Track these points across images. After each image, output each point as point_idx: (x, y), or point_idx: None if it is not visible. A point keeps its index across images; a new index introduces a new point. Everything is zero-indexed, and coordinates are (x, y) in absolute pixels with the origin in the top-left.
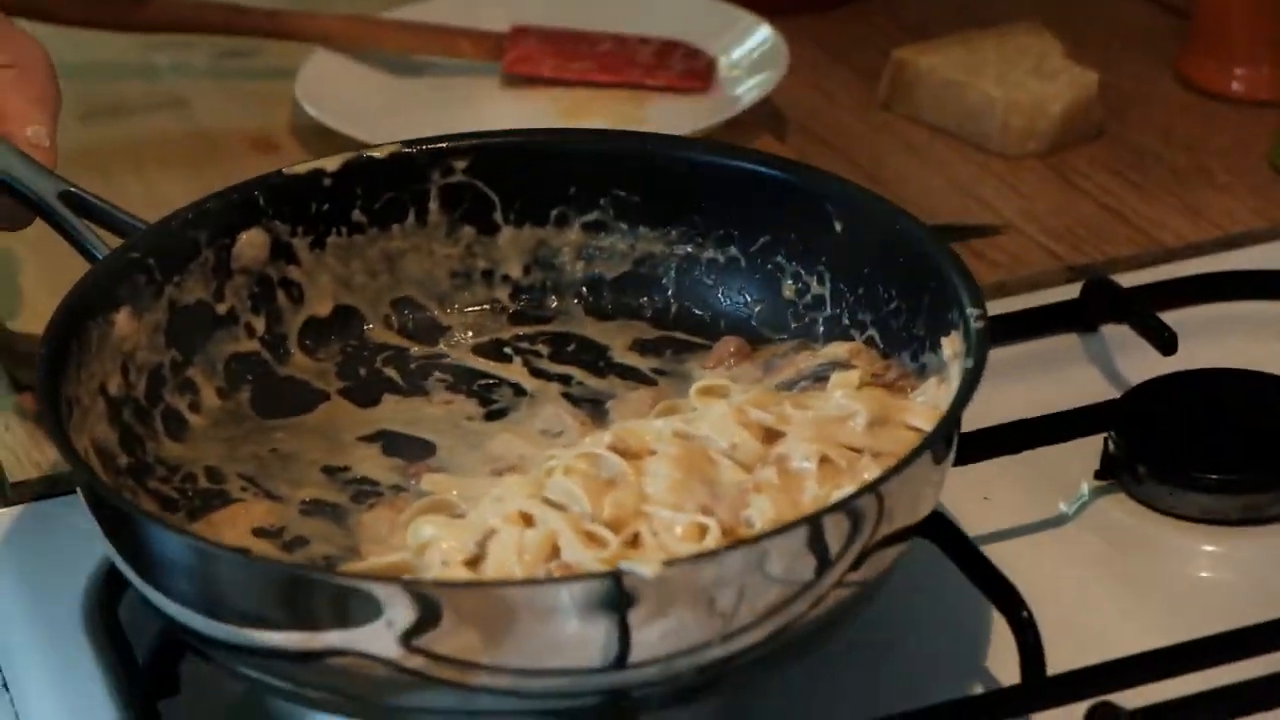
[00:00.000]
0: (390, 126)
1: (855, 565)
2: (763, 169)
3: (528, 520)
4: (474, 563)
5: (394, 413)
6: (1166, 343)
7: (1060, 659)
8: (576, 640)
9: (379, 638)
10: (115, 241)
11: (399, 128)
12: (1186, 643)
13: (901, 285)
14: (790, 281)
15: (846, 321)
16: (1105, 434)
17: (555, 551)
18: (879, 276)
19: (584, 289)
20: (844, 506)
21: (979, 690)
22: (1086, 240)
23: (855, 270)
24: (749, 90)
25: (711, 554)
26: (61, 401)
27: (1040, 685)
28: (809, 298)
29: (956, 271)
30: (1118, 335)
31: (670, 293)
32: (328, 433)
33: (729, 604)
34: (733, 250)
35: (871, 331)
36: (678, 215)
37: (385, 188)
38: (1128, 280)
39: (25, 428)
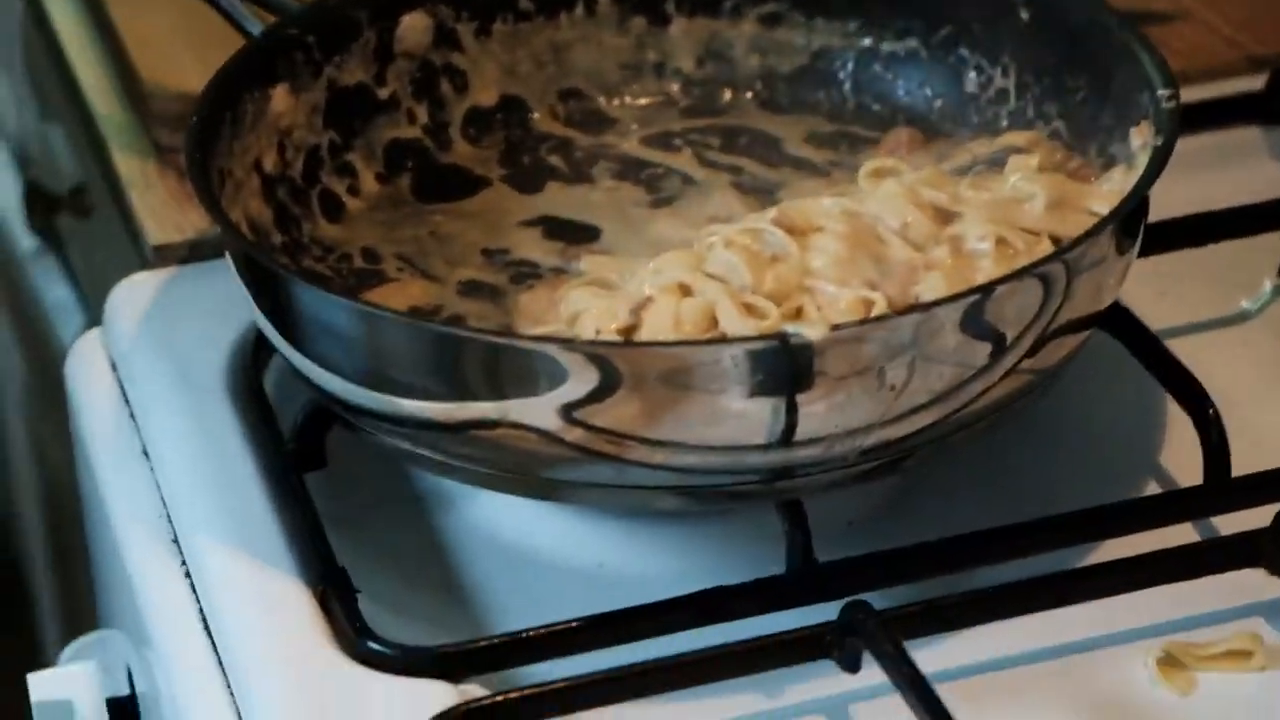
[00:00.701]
0: None
1: (1033, 350)
2: None
3: (686, 291)
4: (628, 332)
5: (557, 199)
6: None
7: (1243, 461)
8: (740, 413)
9: (539, 408)
10: (270, 20)
11: None
12: None
13: (1089, 74)
14: (973, 74)
15: (1031, 114)
16: None
17: (713, 323)
18: (1066, 65)
19: (758, 83)
20: (1028, 272)
21: (1158, 490)
22: (1271, 28)
23: (1041, 60)
24: None
25: (883, 319)
26: (212, 170)
27: (1225, 486)
28: (992, 90)
29: (1147, 53)
30: None
31: (847, 87)
32: (488, 217)
33: (899, 378)
34: (912, 42)
35: (1057, 124)
36: (856, 6)
37: None
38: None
39: (166, 189)
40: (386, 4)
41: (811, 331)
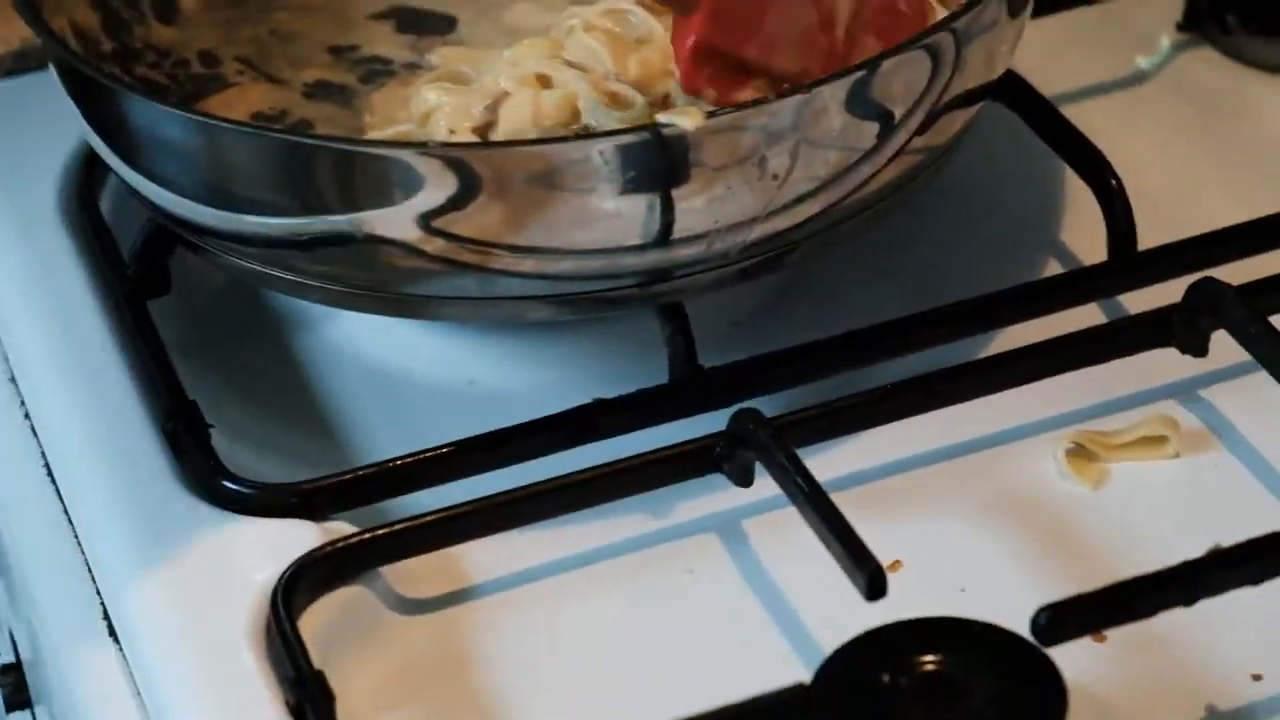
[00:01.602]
0: None
1: (922, 128)
2: None
3: (545, 83)
4: (484, 130)
5: None
6: None
7: (1149, 234)
8: (612, 213)
9: (395, 219)
10: None
11: None
12: None
13: None
14: None
15: None
16: None
17: (575, 115)
18: None
19: None
20: (916, 45)
21: (1060, 270)
22: None
23: None
24: None
25: (761, 103)
26: None
27: (1131, 261)
28: None
29: None
30: None
31: None
32: (335, 10)
33: (782, 166)
34: None
35: None
36: None
37: None
38: None
39: None
40: None
41: (685, 121)
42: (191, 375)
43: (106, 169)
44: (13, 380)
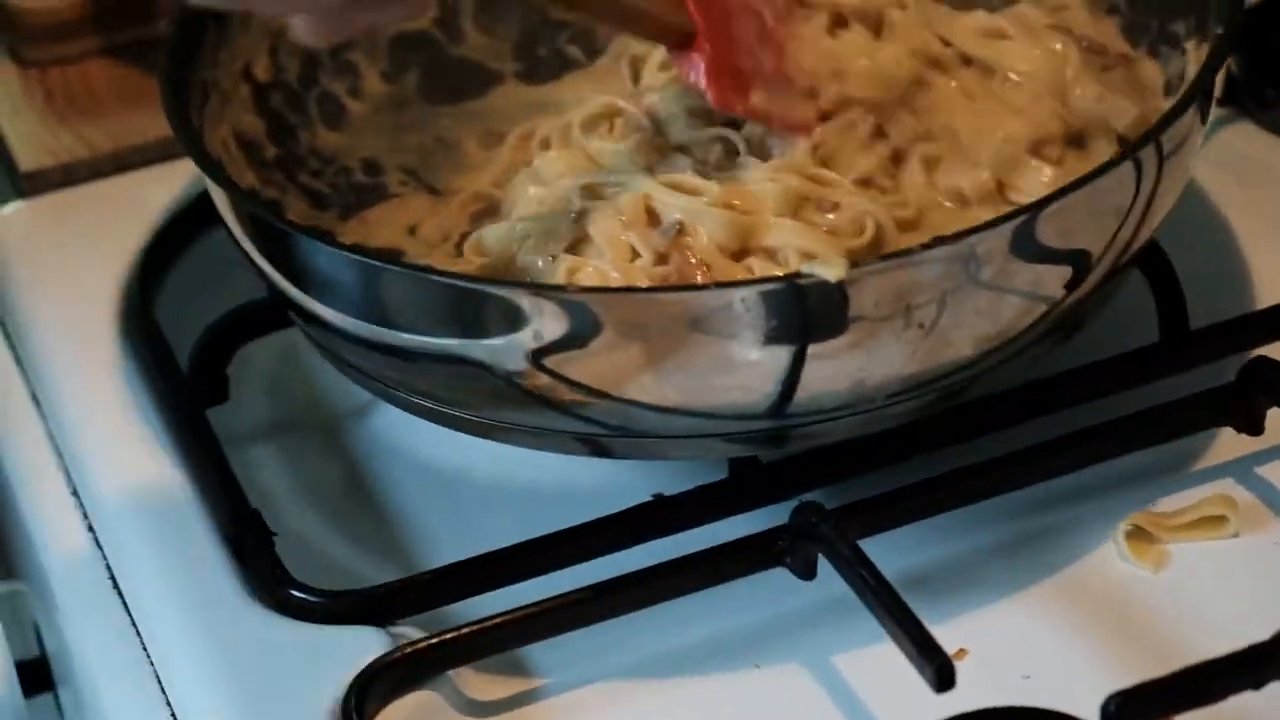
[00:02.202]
0: None
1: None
2: None
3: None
4: (575, 246)
5: (579, 90)
6: None
7: (1200, 312)
8: (748, 362)
9: (507, 350)
10: None
11: None
12: None
13: None
14: None
15: None
16: None
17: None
18: None
19: None
20: (1071, 190)
21: (1112, 352)
22: None
23: None
24: None
25: (909, 252)
26: (191, 86)
27: (1184, 341)
28: None
29: None
30: None
31: None
32: (499, 117)
33: (928, 315)
34: None
35: None
36: None
37: None
38: None
39: (34, 110)
40: None
41: (828, 271)
42: (251, 479)
43: (162, 277)
44: (75, 494)
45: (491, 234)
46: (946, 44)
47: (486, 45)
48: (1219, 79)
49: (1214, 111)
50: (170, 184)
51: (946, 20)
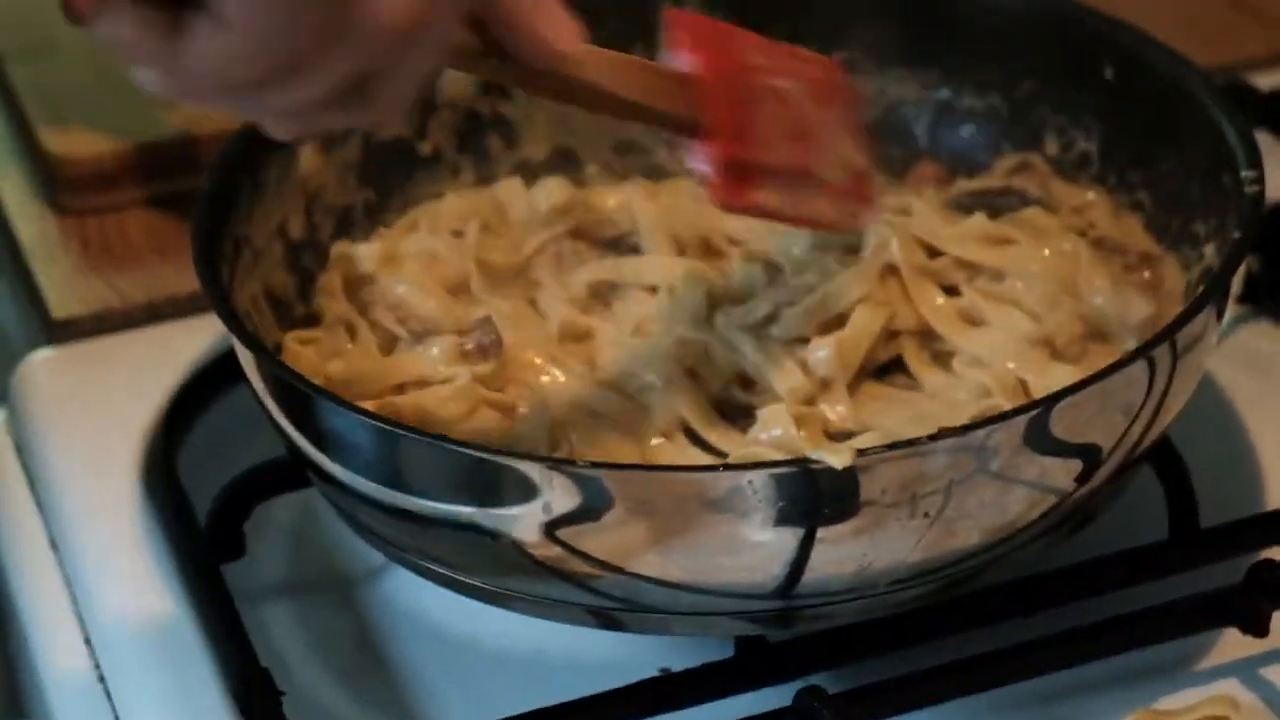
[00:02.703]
0: None
1: (1089, 473)
2: (1029, 6)
3: None
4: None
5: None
6: None
7: (1208, 508)
8: (753, 544)
9: (521, 521)
10: None
11: None
12: None
13: (1175, 142)
14: (1055, 135)
15: (1114, 181)
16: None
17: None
18: (1150, 131)
19: None
20: (1095, 380)
21: (1124, 545)
22: (1215, 37)
23: (1126, 123)
24: None
25: (916, 442)
26: (224, 241)
27: (1193, 539)
28: (1074, 154)
29: (1231, 124)
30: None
31: (923, 144)
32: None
33: (934, 504)
34: (994, 98)
35: (1141, 194)
36: (934, 56)
37: (610, 16)
38: (1265, 82)
39: (70, 258)
40: None
41: (834, 458)
42: (263, 635)
43: (185, 432)
44: (88, 641)
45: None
46: (937, 253)
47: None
48: (1237, 278)
49: (1232, 308)
50: (201, 336)
51: (948, 227)
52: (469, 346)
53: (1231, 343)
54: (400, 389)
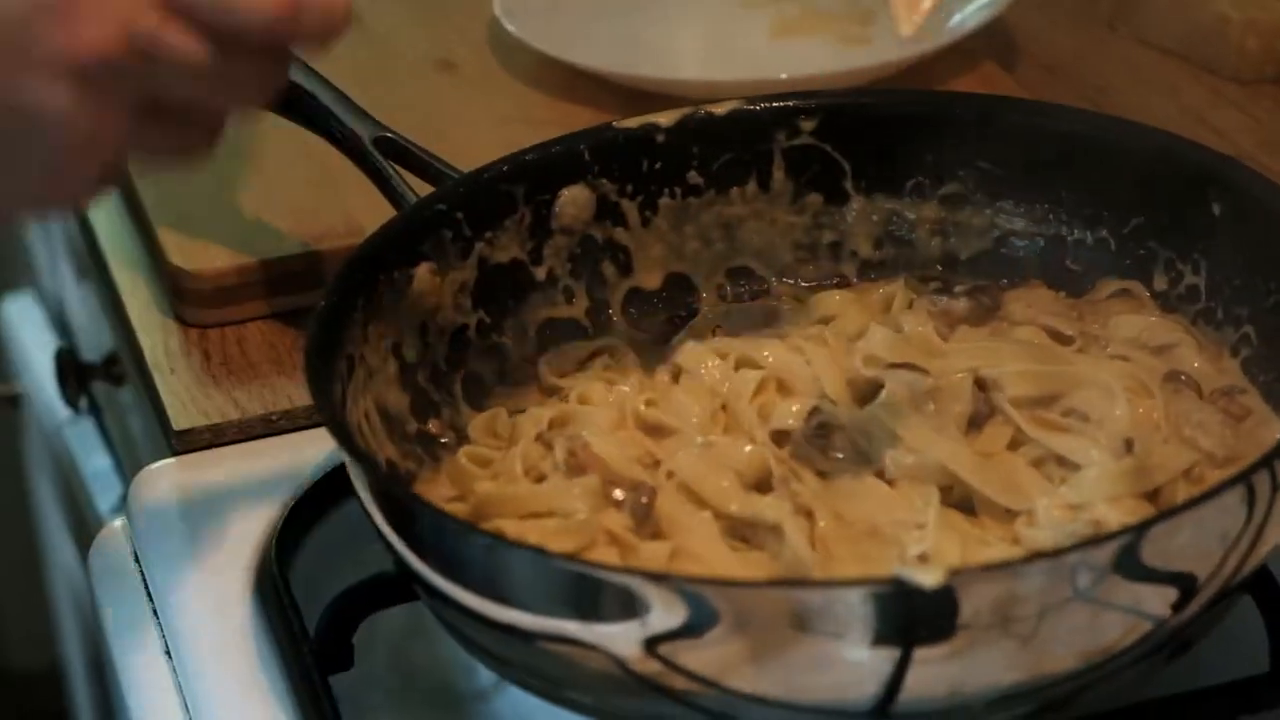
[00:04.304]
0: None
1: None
2: (1135, 141)
3: None
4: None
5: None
6: None
7: None
8: (844, 662)
9: (623, 636)
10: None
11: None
12: None
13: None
14: (1162, 268)
15: (1221, 315)
16: None
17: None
18: (1257, 265)
19: (937, 267)
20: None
21: (1226, 676)
22: None
23: (1233, 258)
24: (978, 9)
25: (1010, 564)
26: (339, 359)
27: None
28: (1182, 288)
29: None
30: None
31: (1033, 276)
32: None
33: (1028, 627)
34: (1102, 232)
35: (1247, 328)
36: (1044, 190)
37: (724, 148)
38: None
39: (191, 371)
40: (545, 178)
41: (926, 577)
42: None
43: (298, 544)
44: None
45: None
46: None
47: (631, 335)
48: None
49: None
50: (317, 449)
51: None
52: (619, 495)
53: None
54: (538, 517)
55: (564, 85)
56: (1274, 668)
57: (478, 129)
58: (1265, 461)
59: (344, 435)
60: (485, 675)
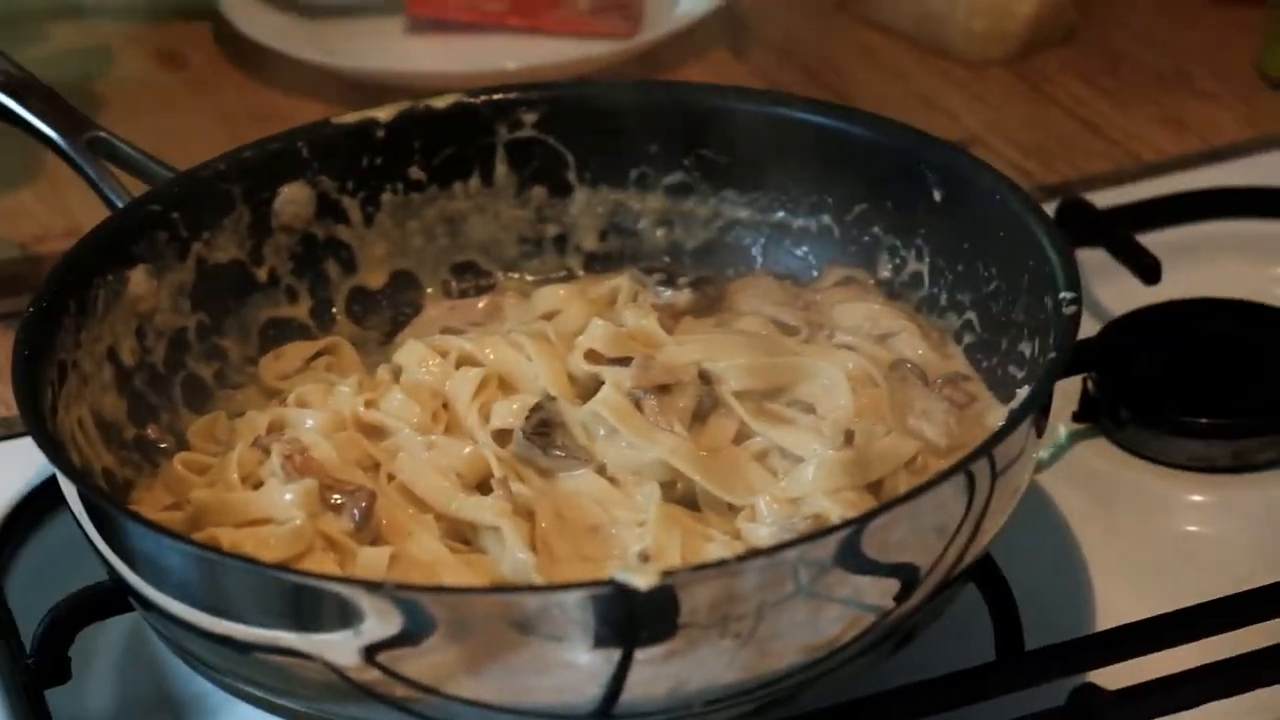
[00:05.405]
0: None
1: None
2: (860, 130)
3: None
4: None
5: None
6: (1148, 270)
7: (1037, 628)
8: (563, 664)
9: (341, 646)
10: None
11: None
12: (1174, 613)
13: (1000, 264)
14: (886, 255)
15: (944, 302)
16: (1084, 374)
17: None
18: (978, 252)
19: (664, 258)
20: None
21: (948, 670)
22: (1058, 156)
23: (954, 244)
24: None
25: (724, 563)
26: (48, 366)
27: (1017, 662)
28: (905, 274)
29: (1053, 248)
30: (1094, 262)
31: (758, 264)
32: None
33: (745, 626)
34: (825, 218)
35: (970, 314)
36: (768, 179)
37: (446, 142)
38: (1104, 200)
39: None
40: (262, 175)
41: (639, 579)
42: None
43: (13, 555)
44: None
45: None
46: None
47: (357, 333)
48: (1072, 398)
49: (1070, 427)
50: (34, 458)
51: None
52: (337, 500)
53: (1067, 461)
54: (255, 525)
55: (292, 78)
56: (998, 655)
57: (203, 125)
58: (984, 450)
59: (50, 445)
60: (206, 685)
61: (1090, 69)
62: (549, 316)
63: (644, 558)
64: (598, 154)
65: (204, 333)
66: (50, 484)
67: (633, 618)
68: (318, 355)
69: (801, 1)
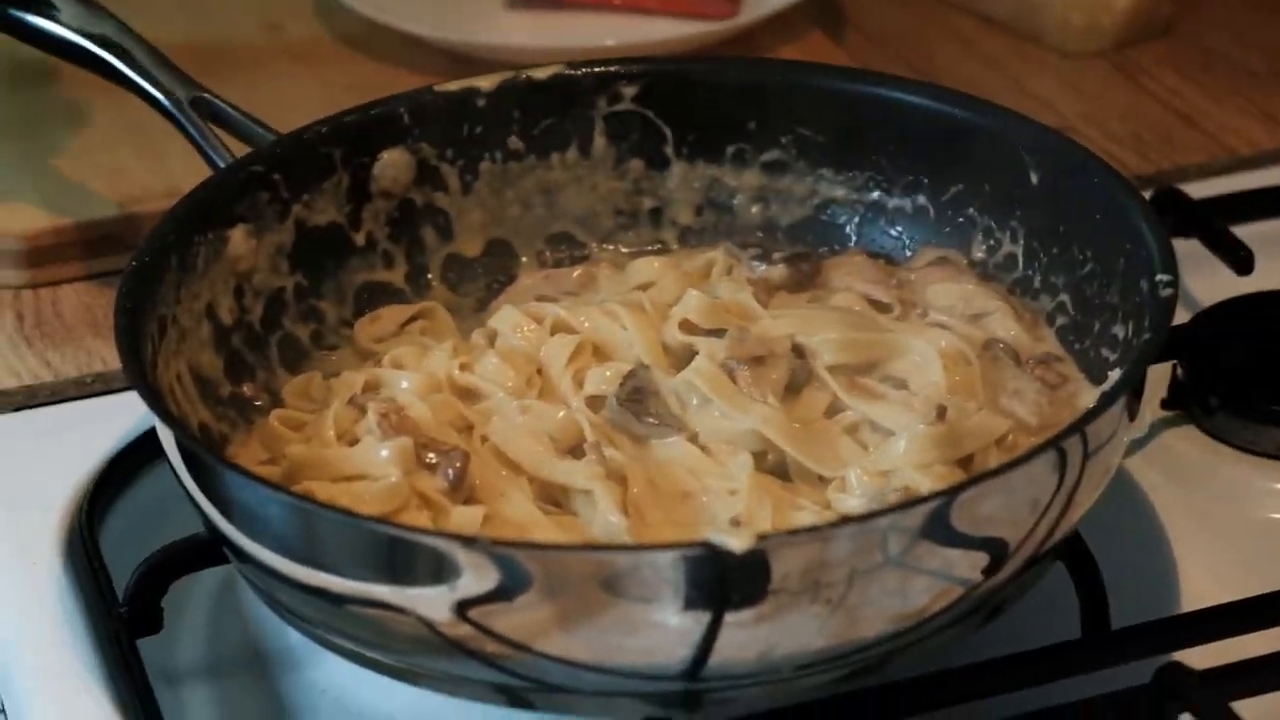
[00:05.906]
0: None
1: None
2: (959, 112)
3: None
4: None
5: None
6: (1241, 261)
7: (1123, 608)
8: (655, 624)
9: (434, 600)
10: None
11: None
12: (1261, 596)
13: (1096, 246)
14: (981, 237)
15: (1038, 285)
16: (1173, 360)
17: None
18: (1074, 235)
19: (758, 233)
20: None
21: (1035, 645)
22: (1153, 146)
23: (1050, 227)
24: None
25: (818, 528)
26: (149, 320)
27: (1103, 641)
28: (1000, 256)
29: (1151, 231)
30: (1188, 252)
31: (853, 243)
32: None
33: (836, 592)
34: (921, 199)
35: (1063, 296)
36: (865, 158)
37: (546, 113)
38: (1198, 191)
39: (4, 332)
40: (363, 140)
41: (734, 541)
42: (177, 711)
43: (108, 508)
44: (3, 712)
45: None
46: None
47: (451, 299)
48: (1162, 385)
49: (1158, 414)
50: (131, 412)
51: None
52: (432, 459)
53: (1155, 447)
54: (350, 480)
55: (389, 51)
56: (1084, 633)
57: (301, 93)
58: (1076, 428)
59: (151, 396)
60: (296, 637)
61: (1185, 63)
62: (643, 288)
63: (735, 524)
64: (695, 129)
65: (301, 294)
66: (144, 440)
67: (724, 580)
68: (413, 319)
69: None
